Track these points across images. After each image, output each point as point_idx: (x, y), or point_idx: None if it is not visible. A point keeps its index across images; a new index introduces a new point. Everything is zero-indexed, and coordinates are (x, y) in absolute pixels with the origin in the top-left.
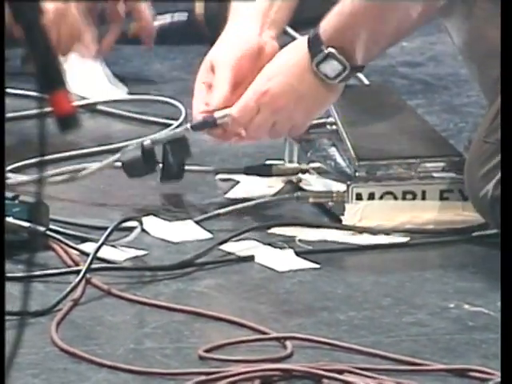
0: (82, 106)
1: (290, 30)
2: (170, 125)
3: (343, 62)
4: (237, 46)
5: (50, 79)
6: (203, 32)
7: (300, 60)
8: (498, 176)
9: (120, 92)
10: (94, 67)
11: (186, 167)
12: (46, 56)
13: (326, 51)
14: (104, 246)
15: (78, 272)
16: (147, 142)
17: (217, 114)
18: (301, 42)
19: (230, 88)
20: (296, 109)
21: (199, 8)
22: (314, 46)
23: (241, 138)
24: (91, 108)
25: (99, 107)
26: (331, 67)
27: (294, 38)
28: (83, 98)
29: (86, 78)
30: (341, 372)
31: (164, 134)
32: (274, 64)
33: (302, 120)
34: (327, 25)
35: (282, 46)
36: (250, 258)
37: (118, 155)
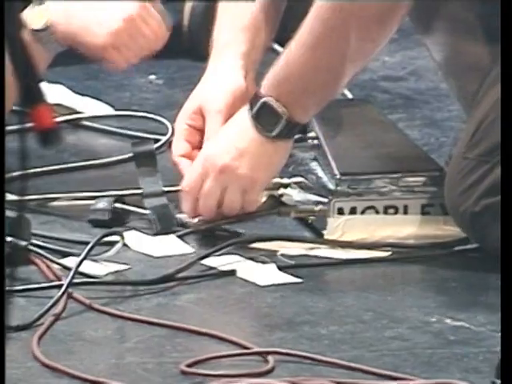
0: (65, 121)
1: (276, 47)
2: (157, 140)
3: (278, 112)
4: (226, 91)
5: (32, 94)
6: (186, 46)
7: (241, 116)
8: (478, 192)
9: (105, 107)
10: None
11: (166, 188)
12: (28, 71)
13: (261, 101)
14: (86, 261)
15: (59, 286)
16: (118, 204)
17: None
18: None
19: None
20: (240, 168)
21: (185, 21)
22: (253, 98)
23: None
24: (75, 123)
25: (83, 122)
26: (267, 118)
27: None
28: (73, 110)
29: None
30: None
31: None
32: (221, 128)
33: (251, 182)
34: (267, 76)
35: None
36: (232, 273)
37: (91, 205)
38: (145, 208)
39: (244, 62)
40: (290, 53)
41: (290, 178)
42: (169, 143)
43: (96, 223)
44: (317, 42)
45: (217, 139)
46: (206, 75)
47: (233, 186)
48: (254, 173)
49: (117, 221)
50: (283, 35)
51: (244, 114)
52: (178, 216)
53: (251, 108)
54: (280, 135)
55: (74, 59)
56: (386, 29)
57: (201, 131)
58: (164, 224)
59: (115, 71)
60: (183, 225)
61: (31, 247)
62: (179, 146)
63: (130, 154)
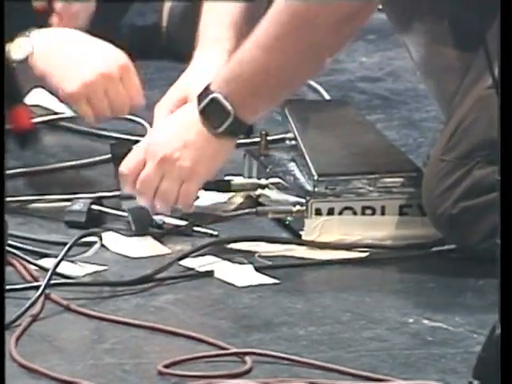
0: (43, 122)
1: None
2: (136, 141)
3: (226, 109)
4: None
5: (9, 95)
6: (165, 46)
7: (190, 108)
8: (456, 194)
9: None
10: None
11: None
12: (6, 72)
13: (209, 97)
14: (63, 262)
15: (37, 287)
16: (95, 206)
17: None
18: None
19: None
20: (182, 159)
21: (164, 21)
22: (202, 93)
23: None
24: (53, 124)
25: (61, 123)
26: (215, 114)
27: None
28: (51, 111)
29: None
30: None
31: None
32: (169, 118)
33: (190, 174)
34: (218, 73)
35: None
36: (210, 274)
37: (68, 206)
38: (122, 210)
39: (229, 58)
40: (244, 52)
41: (267, 178)
42: None
43: (72, 225)
44: (270, 44)
45: (163, 128)
46: (191, 66)
47: (171, 175)
48: (194, 165)
49: (93, 222)
50: None
51: (193, 107)
52: (155, 217)
53: (199, 102)
54: (226, 133)
55: None
56: (341, 37)
57: None
58: (139, 225)
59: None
60: (159, 226)
61: (8, 248)
62: None
63: (108, 156)
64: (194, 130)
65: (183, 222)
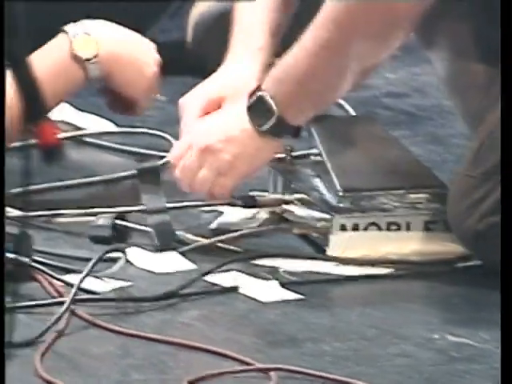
0: (68, 138)
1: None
2: (162, 157)
3: (270, 109)
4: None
5: (35, 111)
6: (190, 63)
7: (239, 104)
8: (482, 210)
9: (108, 124)
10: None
11: (169, 204)
12: (32, 88)
13: (257, 95)
14: (88, 277)
15: (62, 303)
16: (119, 221)
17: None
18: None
19: None
20: (223, 151)
21: (189, 38)
22: (253, 91)
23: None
24: (78, 139)
25: (86, 139)
26: (260, 112)
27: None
28: (76, 127)
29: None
30: None
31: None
32: (217, 111)
33: (229, 168)
34: (269, 73)
35: None
36: (234, 289)
37: (92, 221)
38: (146, 225)
39: (265, 65)
40: (293, 54)
41: (292, 194)
42: None
43: (96, 240)
44: (318, 49)
45: (211, 118)
46: (225, 66)
47: (210, 165)
48: (234, 160)
49: (117, 238)
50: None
51: (242, 104)
52: (179, 233)
53: (249, 100)
54: (269, 131)
55: None
56: (386, 46)
57: None
58: (163, 240)
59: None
60: (183, 242)
61: (33, 264)
62: None
63: (134, 171)
64: (239, 125)
65: (207, 239)
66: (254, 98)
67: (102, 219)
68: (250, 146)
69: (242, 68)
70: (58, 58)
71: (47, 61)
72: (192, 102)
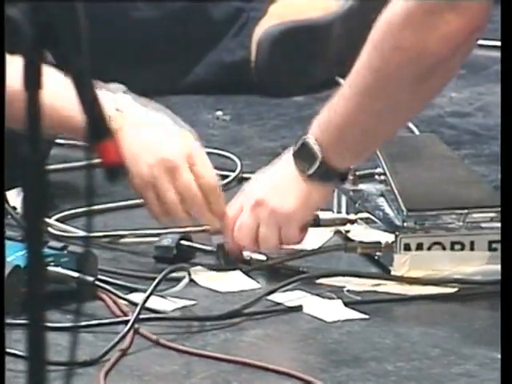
0: None
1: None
2: (226, 176)
3: (314, 153)
4: None
5: (98, 129)
6: (254, 81)
7: (286, 155)
8: None
9: None
10: None
11: None
12: (94, 105)
13: (302, 139)
14: (152, 296)
15: (126, 322)
16: (183, 241)
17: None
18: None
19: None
20: (273, 201)
21: (252, 56)
22: (300, 137)
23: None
24: None
25: None
26: (304, 156)
27: None
28: None
29: None
30: None
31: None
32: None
33: (285, 218)
34: (316, 117)
35: None
36: (299, 309)
37: (156, 241)
38: (210, 245)
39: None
40: (338, 98)
41: (356, 213)
42: (238, 179)
43: (161, 260)
44: (354, 96)
45: (259, 178)
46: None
47: (266, 220)
48: (287, 209)
49: (182, 258)
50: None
51: (289, 153)
52: (244, 253)
53: (295, 145)
54: (315, 176)
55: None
56: (434, 87)
57: None
58: (228, 260)
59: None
60: (247, 261)
61: (98, 283)
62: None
63: None
64: (286, 174)
65: (271, 259)
66: (299, 142)
67: (166, 240)
68: (300, 192)
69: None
70: None
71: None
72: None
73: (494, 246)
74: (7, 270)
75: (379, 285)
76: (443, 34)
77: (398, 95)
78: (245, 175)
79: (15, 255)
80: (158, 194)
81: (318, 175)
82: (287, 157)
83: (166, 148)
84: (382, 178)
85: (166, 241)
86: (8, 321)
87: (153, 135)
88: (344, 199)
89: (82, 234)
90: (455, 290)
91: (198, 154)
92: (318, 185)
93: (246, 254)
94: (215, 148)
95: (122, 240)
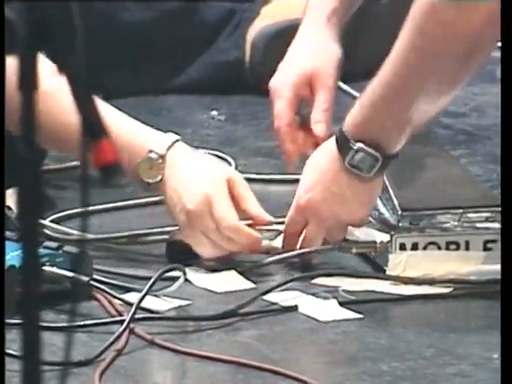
0: None
1: (342, 85)
2: None
3: (374, 155)
4: (334, 66)
5: (93, 128)
6: (248, 81)
7: (332, 163)
8: None
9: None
10: None
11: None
12: (89, 105)
13: (354, 148)
14: (148, 296)
15: (121, 322)
16: None
17: (264, 243)
18: (329, 144)
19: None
20: (342, 212)
21: (247, 56)
22: (342, 144)
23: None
24: None
25: None
26: (363, 162)
27: (346, 93)
28: None
29: None
30: None
31: None
32: (308, 173)
33: (353, 220)
34: (351, 120)
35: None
36: (294, 308)
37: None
38: None
39: (340, 30)
40: (374, 91)
41: None
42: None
43: (173, 258)
44: (401, 76)
45: (311, 186)
46: (306, 32)
47: (336, 228)
48: (356, 213)
49: (192, 254)
50: (351, 71)
51: (334, 159)
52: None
53: (344, 154)
54: (377, 174)
55: (136, 95)
56: (480, 58)
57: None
58: (223, 258)
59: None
60: (243, 260)
61: (93, 283)
62: (288, 116)
63: None
64: (344, 183)
65: (266, 258)
66: (352, 152)
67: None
68: (363, 195)
69: (321, 35)
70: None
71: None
72: (282, 82)
73: (489, 245)
74: None
75: (374, 285)
76: (486, 9)
77: (446, 69)
78: None
79: (10, 255)
80: (200, 231)
81: (379, 172)
82: (332, 163)
83: (205, 180)
84: None
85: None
86: None
87: (191, 173)
88: None
89: (76, 234)
90: (450, 289)
91: (236, 180)
92: (379, 178)
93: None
94: (210, 148)
95: (118, 241)
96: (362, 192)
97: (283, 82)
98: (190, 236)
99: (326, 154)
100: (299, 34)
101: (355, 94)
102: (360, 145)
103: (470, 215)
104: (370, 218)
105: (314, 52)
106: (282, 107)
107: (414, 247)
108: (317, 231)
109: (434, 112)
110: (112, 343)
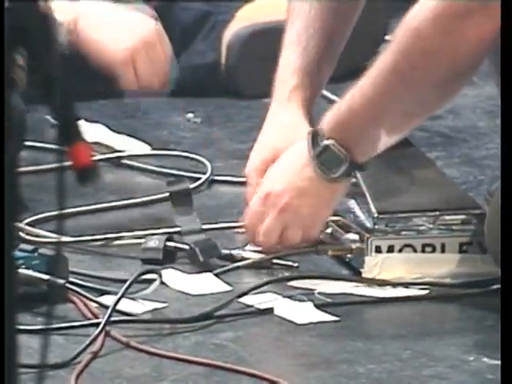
0: (103, 160)
1: (326, 93)
2: (196, 179)
3: (341, 156)
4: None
5: (69, 131)
6: (224, 84)
7: (300, 156)
8: None
9: (142, 145)
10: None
11: (204, 225)
12: (65, 108)
13: (324, 143)
14: (123, 299)
15: (97, 324)
16: (169, 242)
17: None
18: (303, 141)
19: None
20: (301, 206)
21: (222, 59)
22: (314, 139)
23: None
24: (113, 161)
25: (121, 160)
26: (330, 160)
27: (329, 100)
28: (111, 149)
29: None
30: None
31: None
32: (276, 164)
33: (311, 220)
34: (327, 118)
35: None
36: (270, 311)
37: (144, 243)
38: (186, 244)
39: (309, 109)
40: (353, 98)
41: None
42: (208, 182)
43: (149, 262)
44: (379, 94)
45: (275, 176)
46: (270, 121)
47: (294, 224)
48: (314, 211)
49: (168, 259)
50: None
51: (303, 153)
52: (223, 251)
53: (312, 148)
54: (341, 176)
55: (111, 97)
56: (449, 94)
57: None
58: (207, 254)
59: (130, 90)
60: (227, 258)
61: (69, 285)
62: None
63: (167, 193)
64: (308, 177)
65: (241, 261)
66: (320, 147)
67: (152, 241)
68: (325, 194)
69: (288, 115)
70: None
71: None
72: (250, 169)
73: (464, 248)
74: None
75: (350, 287)
76: (474, 36)
77: (425, 95)
78: (215, 177)
79: None
80: (137, 68)
81: (345, 175)
82: (300, 158)
83: (141, 27)
84: (353, 180)
85: (153, 242)
86: None
87: (120, 19)
88: None
89: (52, 236)
90: (426, 292)
91: (161, 30)
92: (342, 183)
93: (225, 251)
94: (186, 151)
95: (114, 243)
96: (323, 191)
97: (250, 169)
98: (127, 66)
99: (297, 148)
100: (270, 111)
101: (333, 97)
102: (330, 141)
103: (445, 217)
104: (346, 221)
105: (278, 136)
106: (250, 193)
107: (390, 250)
108: (274, 223)
109: (406, 132)
110: (88, 346)
